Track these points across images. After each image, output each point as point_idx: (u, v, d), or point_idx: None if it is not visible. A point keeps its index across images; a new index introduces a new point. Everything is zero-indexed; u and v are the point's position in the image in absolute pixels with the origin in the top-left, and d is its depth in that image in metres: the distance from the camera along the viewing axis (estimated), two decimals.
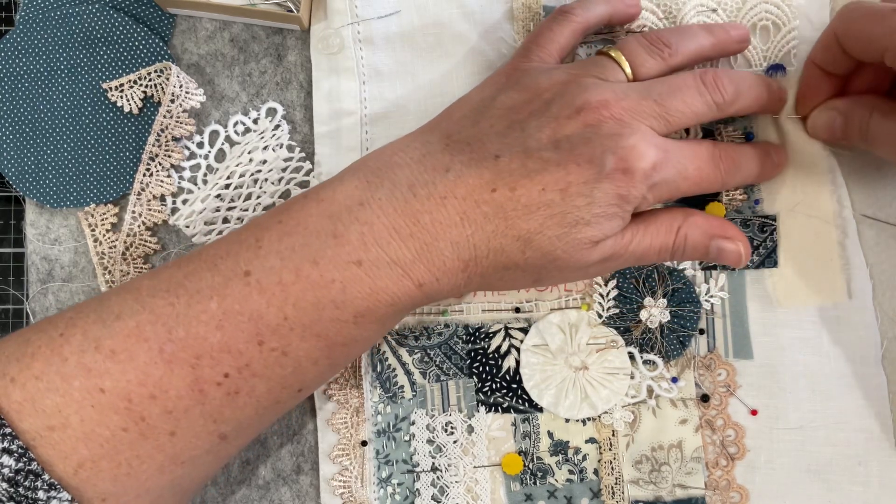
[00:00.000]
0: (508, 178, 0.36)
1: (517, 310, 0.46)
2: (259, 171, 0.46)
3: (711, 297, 0.45)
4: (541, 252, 0.37)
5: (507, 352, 0.46)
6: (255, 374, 0.36)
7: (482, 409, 0.45)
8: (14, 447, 0.34)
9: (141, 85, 0.46)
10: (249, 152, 0.46)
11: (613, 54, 0.40)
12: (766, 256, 0.44)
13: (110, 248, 0.46)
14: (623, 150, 0.36)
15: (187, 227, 0.45)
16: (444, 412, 0.45)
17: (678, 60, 0.41)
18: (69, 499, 0.34)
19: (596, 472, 0.45)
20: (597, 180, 0.36)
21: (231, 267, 0.36)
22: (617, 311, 0.45)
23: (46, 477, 0.34)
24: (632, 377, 0.45)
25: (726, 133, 0.45)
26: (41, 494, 0.34)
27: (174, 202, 0.46)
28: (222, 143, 0.47)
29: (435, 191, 0.37)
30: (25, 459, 0.34)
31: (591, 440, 0.45)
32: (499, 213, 0.36)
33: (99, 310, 0.37)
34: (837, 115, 0.42)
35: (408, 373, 0.46)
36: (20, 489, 0.34)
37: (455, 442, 0.45)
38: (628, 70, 0.40)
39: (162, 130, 0.46)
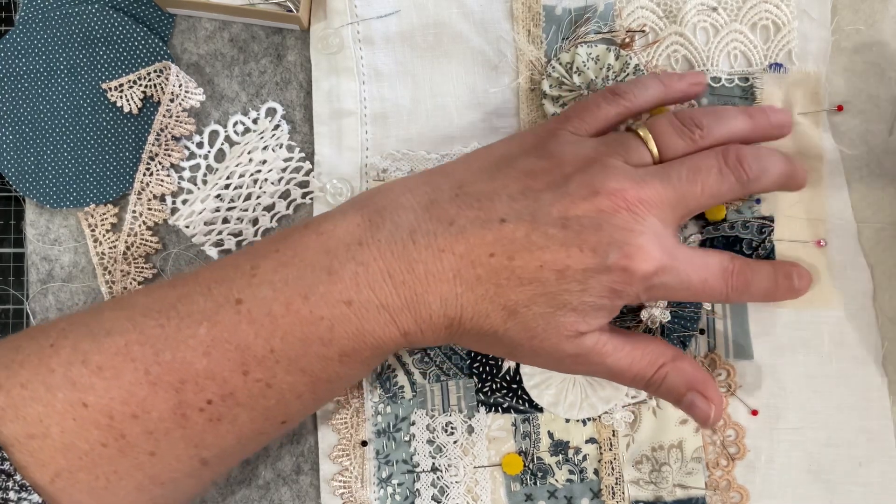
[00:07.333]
0: (510, 245, 0.36)
1: None
2: (259, 171, 0.45)
3: None
4: (522, 326, 0.37)
5: None
6: (238, 402, 0.36)
7: (482, 409, 0.45)
8: None
9: (140, 85, 0.46)
10: (249, 152, 0.45)
11: (641, 133, 0.39)
12: (765, 258, 0.44)
13: (110, 248, 0.46)
14: (629, 247, 0.36)
15: (187, 227, 0.45)
16: (444, 412, 0.45)
17: (708, 143, 0.39)
18: (40, 501, 0.34)
19: (596, 472, 0.45)
20: (595, 271, 0.36)
21: (224, 293, 0.36)
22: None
23: (18, 478, 0.34)
24: None
25: None
26: (12, 495, 0.34)
27: (174, 202, 0.46)
28: (222, 143, 0.47)
29: (434, 242, 0.36)
30: None
31: (592, 440, 0.45)
32: (492, 278, 0.36)
33: (91, 323, 0.37)
34: None
35: (408, 373, 0.46)
36: None
37: (455, 442, 0.45)
38: (655, 151, 0.39)
39: (162, 130, 0.46)
